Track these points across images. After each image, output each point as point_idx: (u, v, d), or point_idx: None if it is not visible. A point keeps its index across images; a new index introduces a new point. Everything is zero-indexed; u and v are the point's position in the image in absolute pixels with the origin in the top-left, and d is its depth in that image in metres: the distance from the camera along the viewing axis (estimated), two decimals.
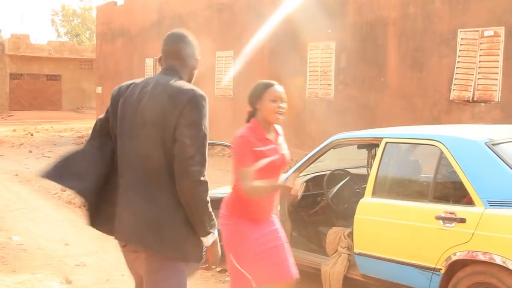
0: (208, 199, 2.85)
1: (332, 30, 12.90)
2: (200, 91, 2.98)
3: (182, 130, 2.82)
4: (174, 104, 2.86)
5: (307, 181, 5.65)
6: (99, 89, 23.38)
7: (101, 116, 3.17)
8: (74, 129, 24.29)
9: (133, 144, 2.95)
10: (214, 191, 5.15)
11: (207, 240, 2.92)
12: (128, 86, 3.05)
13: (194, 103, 2.89)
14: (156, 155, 2.87)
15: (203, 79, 17.05)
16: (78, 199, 9.41)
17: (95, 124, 3.19)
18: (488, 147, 4.24)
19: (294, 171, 5.42)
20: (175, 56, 3.15)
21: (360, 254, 4.76)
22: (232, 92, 16.15)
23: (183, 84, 3.02)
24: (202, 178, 2.81)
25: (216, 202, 4.80)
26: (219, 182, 4.96)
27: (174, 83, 2.99)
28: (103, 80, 23.04)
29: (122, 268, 5.98)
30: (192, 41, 3.28)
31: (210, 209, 2.88)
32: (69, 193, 10.16)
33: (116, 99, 3.04)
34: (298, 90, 13.70)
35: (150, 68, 19.62)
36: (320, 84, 13.36)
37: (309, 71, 13.60)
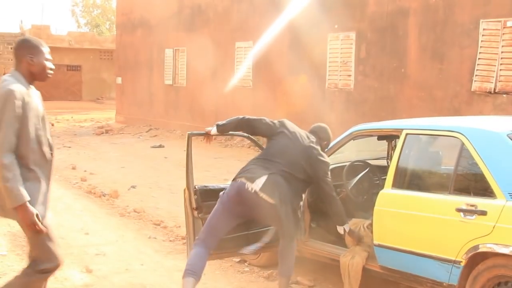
0: None
1: (352, 21, 12.82)
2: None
3: None
4: None
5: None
6: (119, 80, 23.46)
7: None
8: (94, 119, 24.45)
9: None
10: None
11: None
12: None
13: None
14: None
15: (223, 69, 17.07)
16: (97, 189, 9.51)
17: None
18: (510, 138, 4.19)
19: None
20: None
21: (379, 245, 4.74)
22: (251, 83, 16.12)
23: None
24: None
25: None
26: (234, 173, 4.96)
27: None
28: (123, 71, 23.12)
29: (141, 258, 6.05)
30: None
31: None
32: (89, 183, 10.24)
33: None
34: (318, 80, 13.65)
35: (170, 59, 19.64)
36: (340, 75, 13.29)
37: (329, 62, 13.52)
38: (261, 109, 15.30)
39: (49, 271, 3.78)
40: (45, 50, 3.77)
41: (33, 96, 3.68)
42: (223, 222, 4.73)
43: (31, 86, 3.71)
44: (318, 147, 4.89)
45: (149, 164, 12.82)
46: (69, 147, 15.68)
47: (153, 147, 15.71)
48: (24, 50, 3.72)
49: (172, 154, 14.20)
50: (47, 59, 3.77)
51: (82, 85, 36.20)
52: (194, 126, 18.08)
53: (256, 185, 4.56)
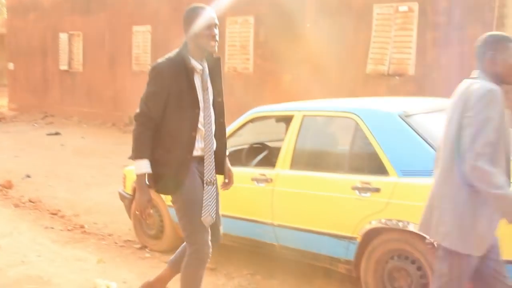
0: None
1: (251, 4, 12.86)
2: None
3: None
4: None
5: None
6: (10, 65, 22.46)
7: None
8: None
9: None
10: None
11: None
12: None
13: None
14: None
15: (120, 54, 16.72)
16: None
17: None
18: (402, 119, 4.34)
19: None
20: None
21: (279, 225, 4.81)
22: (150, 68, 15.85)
23: None
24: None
25: None
26: None
27: None
28: (15, 56, 22.14)
29: (38, 249, 5.85)
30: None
31: None
32: None
33: None
34: None
35: (65, 44, 18.99)
36: (239, 59, 13.33)
37: (228, 46, 13.53)
38: None
39: None
40: None
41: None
42: None
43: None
44: None
45: (45, 153, 12.37)
46: None
47: (49, 134, 15.17)
48: None
49: (69, 141, 13.79)
50: None
51: None
52: (92, 112, 17.65)
53: None
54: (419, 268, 4.07)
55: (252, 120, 5.40)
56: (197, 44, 3.66)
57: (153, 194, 5.78)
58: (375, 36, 10.62)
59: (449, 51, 9.77)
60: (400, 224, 4.07)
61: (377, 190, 4.20)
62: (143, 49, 16.07)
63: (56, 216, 7.24)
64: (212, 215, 3.64)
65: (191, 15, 3.67)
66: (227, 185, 4.03)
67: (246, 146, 5.88)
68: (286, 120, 5.33)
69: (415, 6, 10.09)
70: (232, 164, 5.48)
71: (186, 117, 3.60)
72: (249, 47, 13.08)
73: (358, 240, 4.32)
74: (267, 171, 5.00)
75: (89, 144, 13.49)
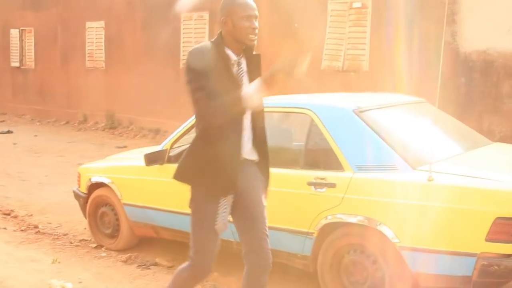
0: None
1: (206, 1, 12.80)
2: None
3: None
4: None
5: (181, 153, 5.60)
6: None
7: None
8: None
9: None
10: None
11: None
12: None
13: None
14: None
15: (73, 51, 16.45)
16: None
17: None
18: (356, 114, 4.39)
19: (167, 143, 5.36)
20: None
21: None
22: (104, 64, 15.68)
23: None
24: None
25: None
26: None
27: None
28: None
29: None
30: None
31: None
32: None
33: None
34: (172, 60, 13.55)
35: (16, 40, 18.55)
36: None
37: (183, 42, 13.46)
38: (115, 91, 14.98)
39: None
40: None
41: None
42: None
43: None
44: None
45: None
46: None
47: (0, 133, 14.85)
48: None
49: (22, 140, 13.51)
50: None
51: None
52: (45, 109, 17.34)
53: None
54: (375, 262, 4.13)
55: None
56: (234, 37, 3.27)
57: (108, 192, 5.79)
58: (330, 32, 10.70)
59: (402, 47, 9.91)
60: (356, 218, 4.12)
61: (332, 185, 4.23)
62: (97, 45, 15.83)
63: (9, 216, 7.09)
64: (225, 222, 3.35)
65: (229, 4, 3.31)
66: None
67: None
68: None
69: (369, 3, 10.20)
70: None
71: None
72: None
73: (315, 235, 4.35)
74: None
75: (42, 142, 13.24)
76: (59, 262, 5.43)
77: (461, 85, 9.14)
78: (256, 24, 3.28)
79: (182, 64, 13.43)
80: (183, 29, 13.42)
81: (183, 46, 13.43)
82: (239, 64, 3.32)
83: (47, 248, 5.94)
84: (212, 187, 3.28)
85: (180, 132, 5.36)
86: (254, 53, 3.40)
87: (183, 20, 13.38)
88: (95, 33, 15.88)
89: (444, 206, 3.84)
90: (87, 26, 16.07)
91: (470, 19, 9.03)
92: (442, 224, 3.84)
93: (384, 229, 3.98)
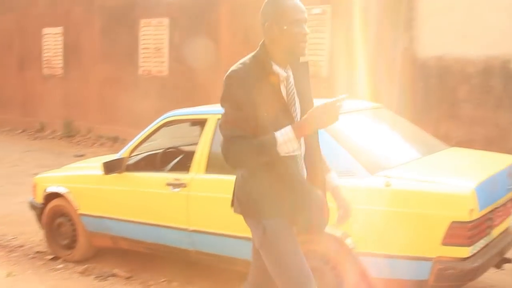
0: None
1: (165, 7, 12.74)
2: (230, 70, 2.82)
3: None
4: None
5: (139, 161, 5.54)
6: None
7: None
8: None
9: None
10: None
11: None
12: None
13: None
14: None
15: (30, 57, 16.18)
16: None
17: None
18: None
19: (125, 151, 5.30)
20: None
21: (195, 231, 4.77)
22: (62, 71, 15.45)
23: None
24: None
25: None
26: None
27: None
28: None
29: None
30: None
31: None
32: None
33: None
34: (131, 67, 13.44)
35: None
36: (154, 62, 13.17)
37: (142, 48, 13.35)
38: (73, 98, 14.77)
39: None
40: None
41: None
42: None
43: None
44: None
45: None
46: None
47: None
48: None
49: None
50: None
51: None
52: (0, 118, 16.99)
53: None
54: (334, 268, 4.11)
55: (166, 124, 5.32)
56: (282, 46, 2.80)
57: (64, 202, 5.68)
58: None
59: (361, 53, 10.00)
60: None
61: None
62: (54, 52, 15.60)
63: None
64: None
65: (275, 6, 2.83)
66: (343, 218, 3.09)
67: (160, 151, 5.81)
68: (201, 123, 5.28)
69: (328, 9, 10.26)
70: (146, 169, 5.42)
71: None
72: (164, 49, 12.94)
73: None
74: (181, 176, 4.94)
75: None
76: (14, 275, 5.31)
77: (419, 90, 9.25)
78: (307, 30, 2.81)
79: (141, 71, 13.32)
80: (142, 35, 13.31)
81: (142, 53, 13.33)
82: (287, 79, 2.83)
83: (1, 261, 5.78)
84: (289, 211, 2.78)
85: (139, 140, 5.32)
86: (301, 60, 2.93)
87: (142, 27, 13.28)
88: (52, 39, 15.64)
89: (401, 211, 3.86)
90: (44, 32, 15.82)
91: (427, 25, 9.15)
92: (399, 229, 3.86)
93: (342, 235, 3.99)
